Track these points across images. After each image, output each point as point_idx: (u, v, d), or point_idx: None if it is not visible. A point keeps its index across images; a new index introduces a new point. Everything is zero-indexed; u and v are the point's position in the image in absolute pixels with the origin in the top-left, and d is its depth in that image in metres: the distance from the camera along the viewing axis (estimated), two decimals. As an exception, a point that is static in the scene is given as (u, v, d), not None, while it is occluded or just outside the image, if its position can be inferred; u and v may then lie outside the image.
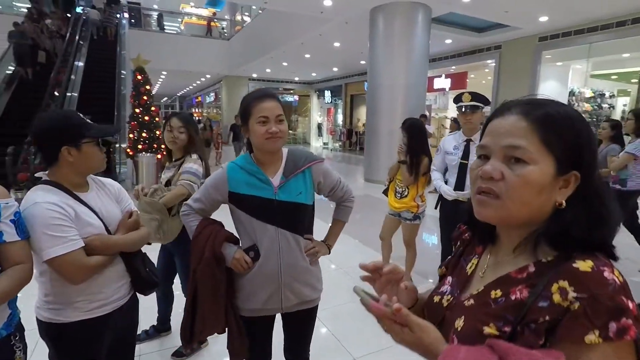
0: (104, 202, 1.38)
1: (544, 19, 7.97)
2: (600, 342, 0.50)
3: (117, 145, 7.53)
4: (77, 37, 10.59)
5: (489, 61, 10.54)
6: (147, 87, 7.51)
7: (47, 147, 1.24)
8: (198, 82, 20.67)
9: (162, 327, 2.49)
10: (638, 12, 7.28)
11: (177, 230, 2.07)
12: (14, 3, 14.65)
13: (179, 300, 1.96)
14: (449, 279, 0.78)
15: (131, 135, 7.36)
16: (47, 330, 1.27)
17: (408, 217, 3.13)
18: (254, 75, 17.61)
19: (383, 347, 2.29)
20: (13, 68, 9.23)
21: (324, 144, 19.16)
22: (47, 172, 1.29)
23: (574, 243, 0.58)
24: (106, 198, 1.40)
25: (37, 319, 1.28)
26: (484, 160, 0.64)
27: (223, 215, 1.50)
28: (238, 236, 1.46)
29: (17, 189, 5.53)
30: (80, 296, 1.26)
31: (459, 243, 0.83)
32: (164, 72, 16.97)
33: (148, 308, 2.42)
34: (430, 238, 4.77)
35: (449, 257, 0.84)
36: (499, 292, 0.62)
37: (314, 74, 17.61)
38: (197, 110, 25.16)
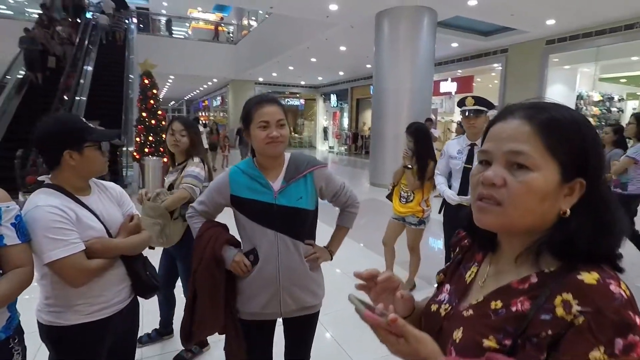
0: (105, 205, 1.39)
1: (551, 22, 7.92)
2: (606, 359, 0.47)
3: (124, 149, 7.60)
4: (86, 42, 10.75)
5: (495, 65, 10.49)
6: (154, 91, 7.59)
7: (50, 151, 1.26)
8: (205, 86, 20.85)
9: (164, 330, 2.50)
10: (647, 15, 7.21)
11: (180, 233, 2.08)
12: (25, 9, 14.94)
13: (181, 304, 1.96)
14: (447, 287, 0.75)
15: (138, 139, 7.43)
16: (48, 333, 1.27)
17: (413, 221, 3.12)
18: (261, 79, 17.70)
19: (385, 354, 2.26)
20: (23, 73, 9.38)
21: (330, 147, 19.17)
22: (49, 175, 1.30)
23: (578, 253, 0.55)
24: (108, 201, 1.41)
25: (38, 322, 1.29)
26: (486, 166, 0.61)
27: (227, 217, 1.52)
28: (240, 239, 1.47)
29: (26, 192, 5.60)
30: (81, 299, 1.27)
31: (457, 249, 0.80)
32: (172, 76, 17.13)
33: (151, 311, 2.44)
34: (434, 243, 4.73)
35: (447, 264, 0.82)
36: (499, 303, 0.59)
37: (320, 78, 17.67)
38: (204, 114, 25.34)
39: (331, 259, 1.57)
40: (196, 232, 1.46)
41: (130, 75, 9.88)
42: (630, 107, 10.11)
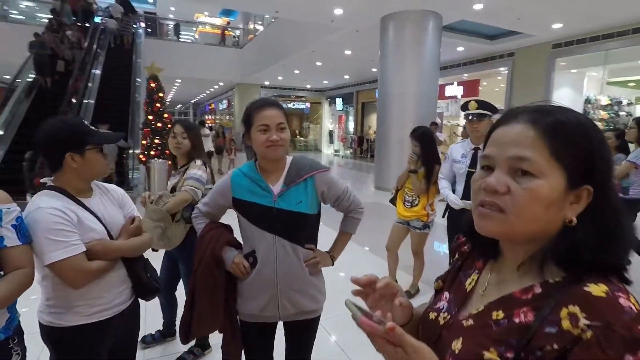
0: (107, 207, 1.40)
1: (557, 25, 7.87)
2: None
3: (131, 151, 7.68)
4: (95, 46, 10.90)
5: (501, 69, 10.44)
6: (160, 94, 7.66)
7: (52, 153, 1.27)
8: (211, 89, 20.99)
9: (167, 331, 2.51)
10: (655, 19, 7.14)
11: (181, 236, 2.09)
12: (36, 14, 15.18)
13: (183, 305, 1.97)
14: (446, 294, 0.72)
15: (144, 142, 7.50)
16: (48, 333, 1.29)
17: (418, 225, 3.11)
18: (266, 83, 17.79)
19: None
20: (33, 77, 9.52)
21: (335, 151, 19.18)
22: (52, 178, 1.32)
23: (584, 264, 0.53)
24: (109, 204, 1.43)
25: (39, 323, 1.30)
26: (488, 172, 0.59)
27: (231, 219, 1.53)
28: (242, 241, 1.47)
29: (33, 194, 5.66)
30: (81, 301, 1.28)
31: (457, 256, 0.78)
32: (178, 80, 17.29)
33: (155, 312, 2.46)
34: (439, 247, 4.70)
35: (446, 270, 0.79)
36: (501, 314, 0.57)
37: (325, 82, 17.71)
38: (210, 117, 25.50)
39: (332, 264, 1.55)
40: (199, 233, 1.49)
41: (137, 79, 9.99)
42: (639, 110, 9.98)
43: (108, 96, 9.28)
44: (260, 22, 16.84)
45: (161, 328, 2.52)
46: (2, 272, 1.11)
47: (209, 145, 9.82)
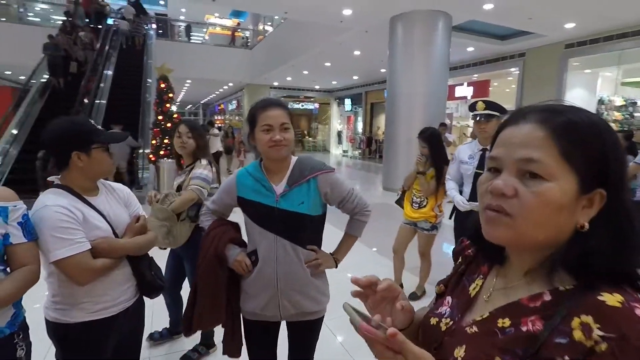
0: (112, 206, 1.42)
1: (570, 25, 7.74)
2: None
3: (141, 151, 7.77)
4: (107, 47, 11.07)
5: (512, 69, 10.31)
6: (170, 95, 7.74)
7: (58, 152, 1.30)
8: (221, 90, 21.14)
9: (174, 329, 2.53)
10: (672, 18, 6.98)
11: (187, 234, 2.11)
12: (51, 16, 15.49)
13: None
14: (448, 299, 0.70)
15: (154, 142, 7.58)
16: (54, 329, 1.31)
17: (425, 227, 3.09)
18: (276, 84, 17.85)
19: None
20: (47, 77, 9.70)
21: (344, 151, 19.15)
22: (59, 176, 1.34)
23: (597, 272, 0.50)
24: (115, 202, 1.44)
25: (45, 319, 1.32)
26: (495, 174, 0.56)
27: (238, 217, 1.55)
28: (247, 239, 1.49)
29: (46, 192, 5.78)
30: (86, 297, 1.30)
31: (460, 259, 0.75)
32: (189, 80, 17.45)
33: (163, 309, 2.48)
34: (446, 248, 4.66)
35: (449, 274, 0.76)
36: (507, 321, 0.54)
37: (334, 82, 17.70)
38: (219, 117, 25.69)
39: (336, 267, 1.53)
40: (206, 230, 1.52)
41: (148, 79, 10.12)
42: (655, 112, 9.76)
43: (119, 96, 9.41)
44: (269, 23, 16.92)
45: (168, 326, 2.54)
46: (9, 269, 1.13)
47: (218, 145, 9.88)
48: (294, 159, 1.45)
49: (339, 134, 19.83)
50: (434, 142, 3.02)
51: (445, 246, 4.69)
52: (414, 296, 3.19)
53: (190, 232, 2.11)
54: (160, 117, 7.61)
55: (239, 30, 18.80)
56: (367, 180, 10.94)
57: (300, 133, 21.19)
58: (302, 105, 20.70)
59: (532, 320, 0.51)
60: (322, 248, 1.53)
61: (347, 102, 18.70)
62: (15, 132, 7.92)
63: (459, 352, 0.57)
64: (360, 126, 18.14)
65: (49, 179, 1.34)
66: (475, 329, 0.58)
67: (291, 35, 11.89)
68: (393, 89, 8.16)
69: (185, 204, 2.06)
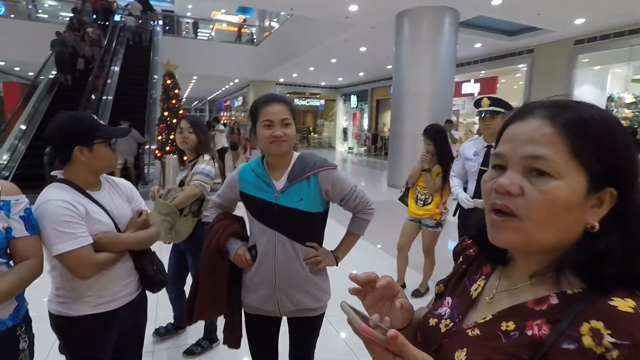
0: (115, 201, 1.43)
1: (580, 21, 7.62)
2: None
3: (147, 147, 7.82)
4: (114, 44, 11.14)
5: (520, 65, 10.18)
6: (176, 91, 7.77)
7: (61, 147, 1.31)
8: (227, 86, 21.18)
9: (178, 324, 2.55)
10: (685, 13, 6.84)
11: (189, 229, 2.12)
12: (59, 13, 15.62)
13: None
14: (448, 299, 0.68)
15: (159, 138, 7.62)
16: (57, 322, 1.32)
17: (430, 224, 3.08)
18: (281, 80, 17.84)
19: None
20: (55, 73, 9.79)
21: (349, 148, 19.11)
22: (62, 171, 1.35)
23: (607, 275, 0.48)
24: (117, 197, 1.45)
25: (49, 312, 1.34)
26: (500, 171, 0.54)
27: (243, 212, 1.56)
28: (249, 234, 1.50)
29: (53, 187, 5.85)
30: (89, 291, 1.31)
31: (461, 259, 0.73)
32: (195, 77, 17.50)
33: (167, 304, 2.50)
34: (451, 245, 4.64)
35: (449, 274, 0.74)
36: (511, 325, 0.52)
37: (340, 79, 17.65)
38: (225, 114, 25.75)
39: (336, 265, 1.51)
40: (210, 223, 1.55)
41: (154, 76, 10.17)
42: (666, 109, 9.59)
43: (126, 93, 9.48)
44: (275, 20, 16.90)
45: (172, 321, 2.56)
46: (12, 263, 1.14)
47: (223, 141, 9.91)
48: (295, 154, 1.44)
49: (345, 130, 19.78)
50: (440, 140, 3.01)
51: (449, 243, 4.67)
52: (417, 293, 3.18)
53: (192, 227, 2.13)
54: (166, 113, 7.65)
55: (245, 26, 18.79)
56: (372, 177, 10.91)
57: (306, 130, 21.19)
58: (308, 102, 20.67)
59: (538, 324, 0.49)
60: (325, 245, 1.52)
61: (353, 98, 18.63)
62: (23, 127, 8.02)
63: (460, 355, 0.55)
64: (365, 123, 18.08)
65: (52, 173, 1.35)
66: (477, 331, 0.56)
67: (297, 32, 11.86)
68: (399, 85, 8.11)
69: (188, 199, 2.07)
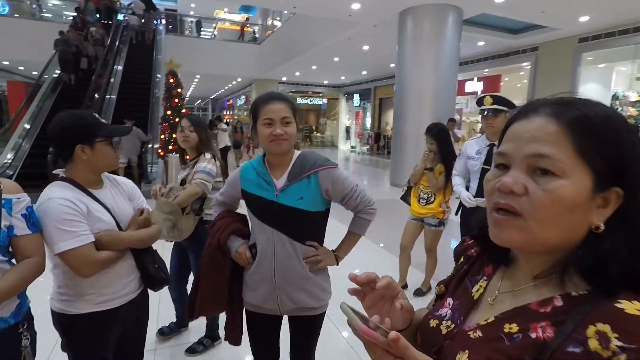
0: (116, 199, 1.43)
1: (584, 19, 7.56)
2: None
3: (150, 146, 7.84)
4: (117, 43, 11.17)
5: (524, 64, 10.12)
6: (179, 90, 7.79)
7: (63, 145, 1.31)
8: (230, 85, 21.19)
9: (181, 323, 2.56)
10: (691, 10, 6.77)
11: (191, 228, 2.13)
12: (63, 12, 15.68)
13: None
14: (449, 300, 0.66)
15: (162, 136, 7.65)
16: (59, 320, 1.33)
17: (433, 223, 3.07)
18: (284, 79, 17.84)
19: None
20: (58, 72, 9.83)
21: (352, 147, 19.10)
22: (64, 169, 1.36)
23: (613, 277, 0.47)
24: (119, 196, 1.46)
25: (51, 309, 1.34)
26: (503, 170, 0.53)
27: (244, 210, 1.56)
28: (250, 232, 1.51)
29: (57, 186, 5.88)
30: (91, 289, 1.32)
31: (462, 259, 0.72)
32: (198, 76, 17.52)
33: (171, 305, 2.51)
34: (453, 245, 4.62)
35: (450, 274, 0.73)
36: (514, 327, 0.51)
37: (342, 78, 17.62)
38: (228, 112, 25.78)
39: (337, 264, 1.50)
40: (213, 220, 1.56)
41: (157, 75, 10.19)
42: (672, 107, 9.50)
43: (129, 91, 9.51)
44: (278, 18, 16.88)
45: (175, 319, 2.57)
46: (14, 261, 1.15)
47: (226, 140, 9.92)
48: (296, 153, 1.44)
49: (347, 129, 19.76)
50: (442, 139, 2.99)
51: (452, 242, 4.66)
52: (420, 292, 3.18)
53: (194, 226, 2.13)
54: (169, 112, 7.67)
55: (247, 25, 18.80)
56: (375, 176, 10.90)
57: (309, 128, 21.17)
58: (311, 101, 20.65)
59: (542, 327, 0.48)
60: (327, 244, 1.52)
61: (356, 97, 18.61)
62: (27, 126, 8.06)
63: (462, 357, 0.54)
64: (368, 122, 18.06)
65: (54, 171, 1.36)
66: (479, 333, 0.55)
67: (300, 30, 11.84)
68: (402, 84, 8.09)
69: (190, 198, 2.08)
